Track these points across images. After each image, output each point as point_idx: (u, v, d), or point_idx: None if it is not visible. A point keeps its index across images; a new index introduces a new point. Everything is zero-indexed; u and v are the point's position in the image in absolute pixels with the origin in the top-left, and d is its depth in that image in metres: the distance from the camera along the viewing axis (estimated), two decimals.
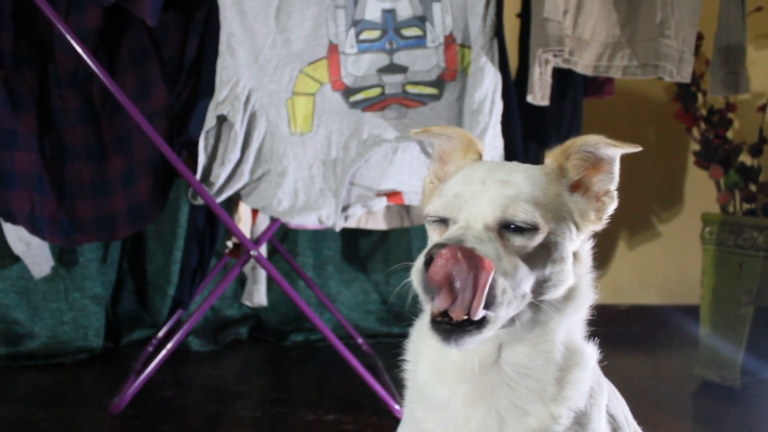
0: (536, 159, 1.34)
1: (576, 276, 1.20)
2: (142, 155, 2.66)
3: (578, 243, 1.22)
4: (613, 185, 1.24)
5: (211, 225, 2.67)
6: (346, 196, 2.62)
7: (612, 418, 1.29)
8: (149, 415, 2.63)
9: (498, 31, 2.62)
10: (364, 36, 2.57)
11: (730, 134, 3.59)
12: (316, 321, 2.69)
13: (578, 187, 1.24)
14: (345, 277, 3.78)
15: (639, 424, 1.42)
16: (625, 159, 1.24)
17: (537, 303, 1.15)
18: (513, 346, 1.18)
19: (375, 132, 2.58)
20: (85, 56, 2.50)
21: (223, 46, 2.52)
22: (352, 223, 2.82)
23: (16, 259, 3.10)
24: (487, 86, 2.59)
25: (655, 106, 4.03)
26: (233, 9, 2.51)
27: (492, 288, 1.08)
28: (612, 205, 1.25)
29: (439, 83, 2.60)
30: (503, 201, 1.14)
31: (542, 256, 1.14)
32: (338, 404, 2.80)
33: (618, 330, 3.91)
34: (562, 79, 2.76)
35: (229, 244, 3.06)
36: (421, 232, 3.63)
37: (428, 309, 1.12)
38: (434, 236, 1.21)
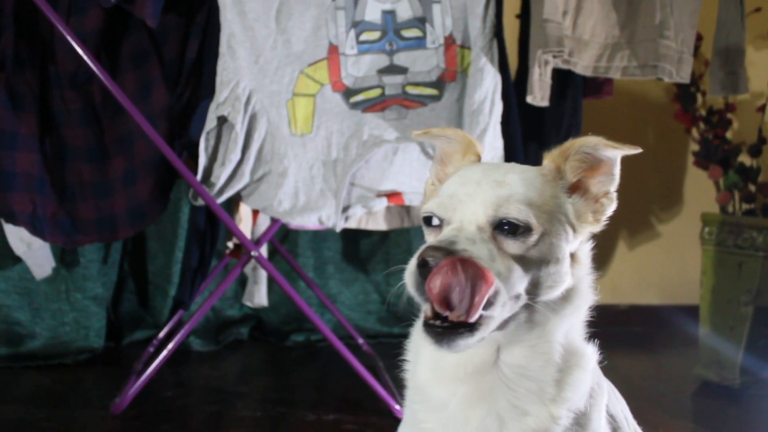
0: (536, 159, 1.34)
1: (575, 277, 1.20)
2: (142, 156, 2.66)
3: (576, 244, 1.21)
4: (613, 187, 1.24)
5: (211, 226, 2.68)
6: (346, 197, 2.62)
7: (612, 418, 1.30)
8: (150, 416, 2.64)
9: (498, 32, 2.62)
10: (364, 37, 2.58)
11: (729, 134, 3.60)
12: (316, 321, 2.70)
13: (577, 188, 1.23)
14: (345, 277, 3.78)
15: (639, 424, 1.42)
16: (625, 159, 1.24)
17: (532, 304, 1.15)
18: (511, 347, 1.18)
19: (375, 133, 2.58)
20: (86, 57, 2.51)
21: (223, 48, 2.52)
22: (352, 224, 2.83)
23: (18, 260, 3.11)
24: (486, 87, 2.59)
25: (654, 106, 4.04)
26: (234, 10, 2.51)
27: None
28: (611, 207, 1.24)
29: (439, 84, 2.61)
30: (496, 200, 1.14)
31: (537, 257, 1.14)
32: (339, 404, 2.81)
33: (618, 330, 3.91)
34: (562, 79, 2.77)
35: (230, 244, 3.06)
36: (422, 233, 3.62)
37: (423, 310, 1.13)
38: (429, 238, 1.21)
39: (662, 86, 3.89)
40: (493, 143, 2.61)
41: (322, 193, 2.60)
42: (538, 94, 2.60)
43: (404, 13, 2.59)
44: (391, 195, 2.67)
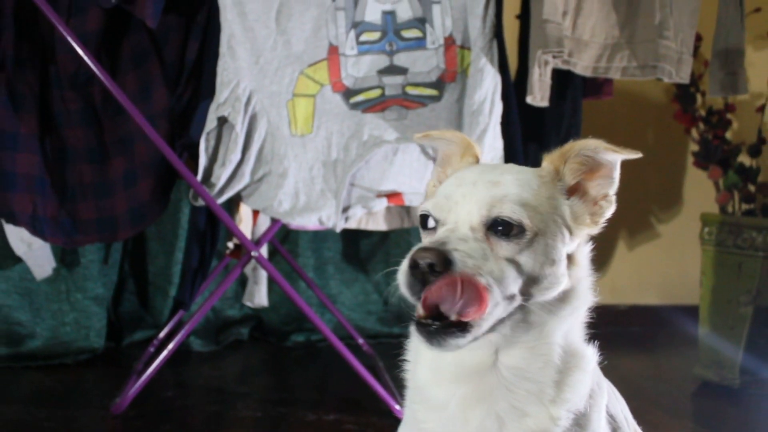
0: (536, 160, 1.34)
1: (573, 279, 1.20)
2: (143, 157, 2.67)
3: (573, 246, 1.21)
4: (612, 190, 1.24)
5: (212, 226, 2.68)
6: (346, 197, 2.63)
7: (612, 419, 1.30)
8: (150, 416, 2.64)
9: (497, 33, 2.63)
10: (364, 38, 2.58)
11: (728, 135, 3.60)
12: (316, 321, 2.70)
13: (576, 190, 1.23)
14: (346, 277, 3.79)
15: (639, 424, 1.43)
16: (624, 160, 1.23)
17: (527, 305, 1.15)
18: (510, 349, 1.17)
19: (375, 133, 2.59)
20: (86, 58, 2.51)
21: (223, 48, 2.52)
22: (352, 224, 2.83)
23: (18, 261, 3.11)
24: (486, 87, 2.59)
25: (654, 106, 4.04)
26: (234, 11, 2.52)
27: None
28: (609, 210, 1.24)
29: (439, 84, 2.61)
30: (490, 200, 1.14)
31: (531, 258, 1.14)
32: (339, 404, 2.81)
33: (617, 330, 3.91)
34: (562, 80, 2.77)
35: (230, 245, 3.06)
36: None
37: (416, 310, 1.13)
38: (424, 238, 1.21)
39: (662, 86, 3.90)
40: (493, 144, 2.61)
41: (322, 193, 2.61)
42: (538, 95, 2.61)
43: (404, 13, 2.59)
44: (391, 195, 2.67)
